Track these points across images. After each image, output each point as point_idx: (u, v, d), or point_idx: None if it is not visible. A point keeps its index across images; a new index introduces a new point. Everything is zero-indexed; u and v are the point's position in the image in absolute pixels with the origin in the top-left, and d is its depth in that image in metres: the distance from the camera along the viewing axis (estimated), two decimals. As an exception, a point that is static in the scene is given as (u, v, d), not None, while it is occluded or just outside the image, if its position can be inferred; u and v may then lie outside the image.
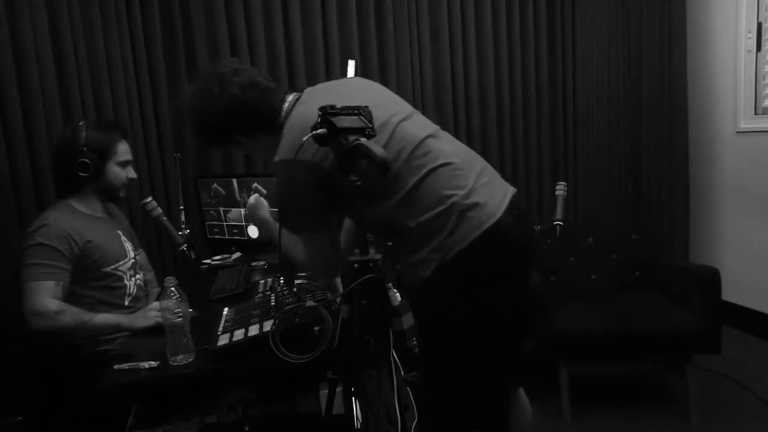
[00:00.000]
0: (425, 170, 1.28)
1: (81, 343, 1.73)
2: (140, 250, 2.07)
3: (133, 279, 1.92)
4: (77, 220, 1.79)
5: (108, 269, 1.82)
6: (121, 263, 1.87)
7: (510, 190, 1.38)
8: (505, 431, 1.42)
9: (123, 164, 1.87)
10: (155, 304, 1.76)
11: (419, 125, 1.39)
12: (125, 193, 1.92)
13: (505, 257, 1.30)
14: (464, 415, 1.36)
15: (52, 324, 1.64)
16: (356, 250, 1.31)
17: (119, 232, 1.95)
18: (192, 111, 1.40)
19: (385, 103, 1.38)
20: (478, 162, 1.39)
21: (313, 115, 1.15)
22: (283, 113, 1.38)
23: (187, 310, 1.43)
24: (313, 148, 1.19)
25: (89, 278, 1.78)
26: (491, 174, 1.39)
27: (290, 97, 1.42)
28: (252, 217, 1.75)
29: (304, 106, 1.37)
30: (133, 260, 1.94)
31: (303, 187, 1.27)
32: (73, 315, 1.67)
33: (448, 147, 1.37)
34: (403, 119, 1.36)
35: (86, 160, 1.77)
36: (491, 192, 1.32)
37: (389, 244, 1.39)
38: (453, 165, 1.31)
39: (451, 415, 1.36)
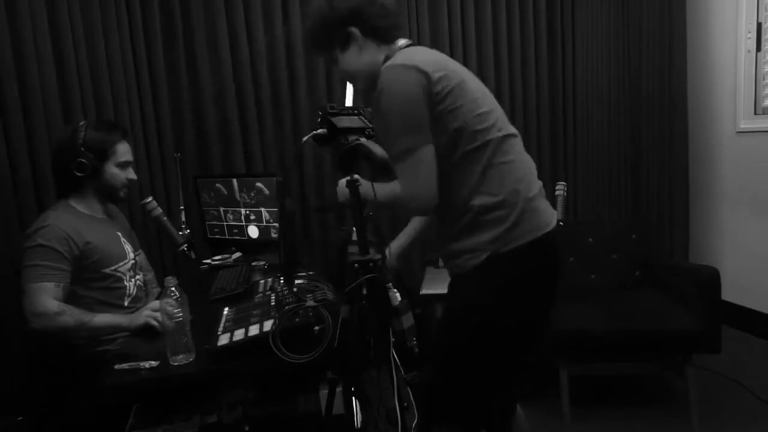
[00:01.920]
0: (509, 158, 1.34)
1: (81, 343, 1.73)
2: (140, 250, 2.07)
3: (132, 280, 1.92)
4: (77, 220, 1.79)
5: (108, 270, 1.82)
6: (120, 264, 1.87)
7: (555, 213, 1.47)
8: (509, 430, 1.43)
9: (123, 165, 1.87)
10: (152, 304, 1.76)
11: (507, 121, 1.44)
12: (125, 194, 1.91)
13: (552, 266, 1.39)
14: (474, 413, 1.38)
15: (53, 324, 1.64)
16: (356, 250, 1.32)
17: (119, 233, 1.95)
18: None
19: (485, 92, 1.42)
20: (535, 175, 1.45)
21: (430, 60, 1.27)
22: (395, 46, 1.42)
23: (187, 314, 1.43)
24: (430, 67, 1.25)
25: (89, 279, 1.78)
26: (542, 192, 1.45)
27: (403, 41, 1.45)
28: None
29: (420, 49, 1.39)
30: (132, 261, 1.94)
31: (417, 90, 1.25)
32: (73, 315, 1.67)
33: (523, 152, 1.44)
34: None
35: (84, 161, 1.77)
36: (546, 205, 1.41)
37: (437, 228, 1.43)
38: (526, 167, 1.40)
39: (462, 412, 1.39)
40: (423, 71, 1.26)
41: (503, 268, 1.31)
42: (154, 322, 1.67)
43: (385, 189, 1.33)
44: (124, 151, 1.87)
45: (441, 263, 2.69)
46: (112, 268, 1.84)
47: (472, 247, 1.32)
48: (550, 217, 1.38)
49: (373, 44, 1.42)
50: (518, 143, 1.41)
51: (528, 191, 1.34)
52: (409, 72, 1.25)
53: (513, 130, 1.40)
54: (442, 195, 1.32)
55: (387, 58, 1.38)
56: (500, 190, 1.31)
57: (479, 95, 1.35)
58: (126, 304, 1.87)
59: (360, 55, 1.42)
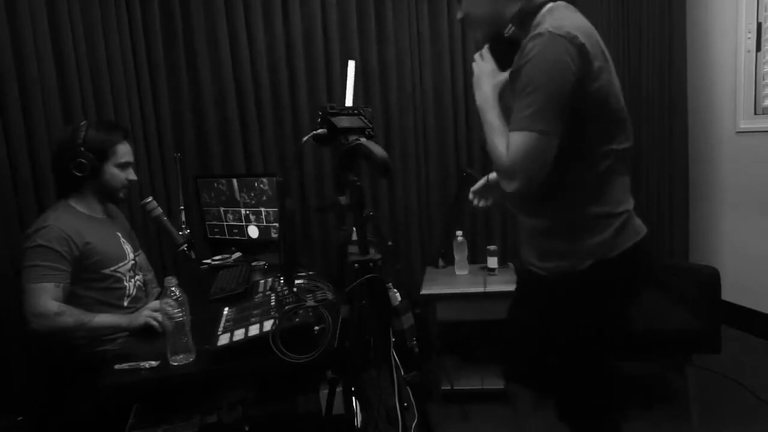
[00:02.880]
0: (625, 168, 1.35)
1: (81, 343, 1.73)
2: (139, 251, 2.07)
3: (132, 280, 1.92)
4: (77, 221, 1.79)
5: (107, 271, 1.82)
6: (120, 265, 1.87)
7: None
8: None
9: (123, 166, 1.86)
10: (152, 304, 1.76)
11: None
12: (125, 194, 1.91)
13: (645, 270, 1.39)
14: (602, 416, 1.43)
15: (53, 325, 1.64)
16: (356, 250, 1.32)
17: (118, 233, 1.95)
18: None
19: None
20: None
21: (592, 42, 1.19)
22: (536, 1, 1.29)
23: (187, 314, 1.43)
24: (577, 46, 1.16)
25: (89, 279, 1.78)
26: None
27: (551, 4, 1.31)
28: (479, 84, 1.40)
29: (577, 18, 1.27)
30: (132, 261, 1.94)
31: (571, 80, 1.16)
32: (73, 316, 1.67)
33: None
34: None
35: (83, 161, 1.76)
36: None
37: (534, 223, 1.38)
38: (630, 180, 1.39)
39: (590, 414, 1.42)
40: (585, 53, 1.16)
41: (607, 273, 1.30)
42: (154, 323, 1.67)
43: (496, 133, 1.28)
44: (124, 151, 1.87)
45: (492, 263, 2.70)
46: (112, 268, 1.84)
47: (578, 250, 1.30)
48: (642, 224, 1.38)
49: None
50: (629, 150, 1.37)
51: (631, 204, 1.36)
52: (573, 52, 1.15)
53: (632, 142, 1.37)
54: (552, 190, 1.27)
55: (526, 14, 1.27)
56: (615, 200, 1.31)
57: (620, 94, 1.28)
58: (126, 304, 1.87)
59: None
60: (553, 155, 1.20)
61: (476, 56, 1.42)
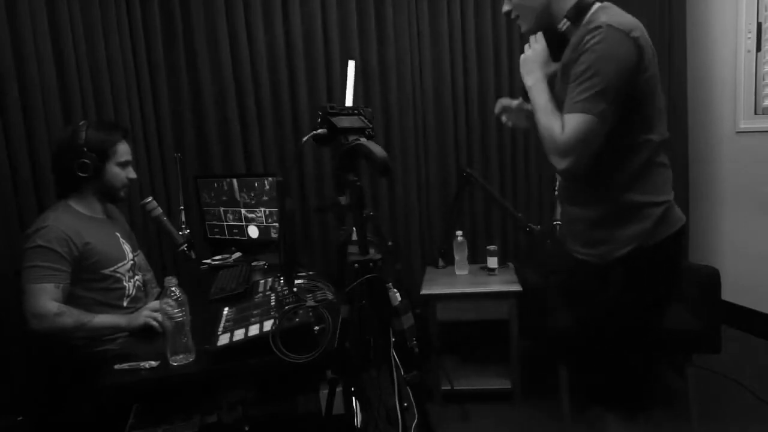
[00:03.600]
0: (666, 161, 1.42)
1: (81, 343, 1.73)
2: (139, 251, 2.07)
3: (132, 280, 1.92)
4: (76, 221, 1.79)
5: (107, 271, 1.82)
6: (120, 265, 1.87)
7: None
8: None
9: (123, 165, 1.87)
10: (152, 304, 1.76)
11: None
12: (125, 193, 1.92)
13: (683, 256, 1.47)
14: (634, 393, 1.48)
15: (53, 325, 1.64)
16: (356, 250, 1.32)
17: (118, 233, 1.95)
18: None
19: None
20: None
21: (646, 37, 1.28)
22: None
23: (187, 314, 1.43)
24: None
25: (88, 280, 1.78)
26: None
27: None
28: (532, 68, 1.49)
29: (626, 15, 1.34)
30: (131, 261, 1.94)
31: (630, 67, 1.25)
32: (73, 316, 1.67)
33: None
34: None
35: (86, 161, 1.77)
36: None
37: (578, 212, 1.45)
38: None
39: (624, 394, 1.47)
40: (640, 47, 1.25)
41: (646, 261, 1.36)
42: (154, 323, 1.67)
43: (548, 114, 1.34)
44: (124, 150, 1.88)
45: (492, 263, 2.70)
46: (112, 268, 1.84)
47: (619, 237, 1.36)
48: (681, 214, 1.44)
49: None
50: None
51: (671, 195, 1.41)
52: (629, 44, 1.24)
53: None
54: (596, 177, 1.35)
55: (580, 10, 1.35)
56: (655, 189, 1.37)
57: (661, 88, 1.36)
58: (125, 304, 1.87)
59: None
60: (602, 138, 1.28)
61: (531, 40, 1.51)
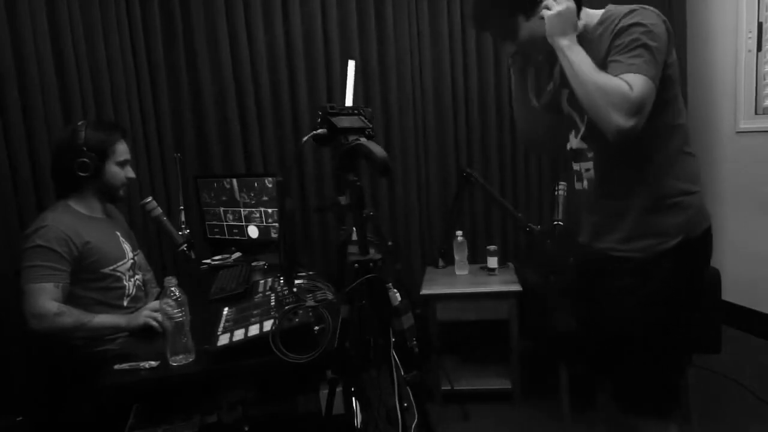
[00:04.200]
0: (693, 150, 1.42)
1: (81, 343, 1.73)
2: (138, 250, 2.07)
3: (132, 280, 1.92)
4: (76, 221, 1.79)
5: (107, 270, 1.82)
6: (119, 264, 1.87)
7: None
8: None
9: (122, 164, 1.87)
10: (152, 304, 1.76)
11: None
12: (124, 192, 1.92)
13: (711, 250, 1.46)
14: (668, 396, 1.46)
15: (53, 325, 1.64)
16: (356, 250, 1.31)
17: (117, 233, 1.95)
18: None
19: None
20: None
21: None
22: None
23: (187, 314, 1.43)
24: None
25: (88, 279, 1.78)
26: None
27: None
28: (566, 25, 1.35)
29: None
30: (131, 261, 1.94)
31: (663, 37, 1.28)
32: (73, 316, 1.67)
33: None
34: None
35: (86, 160, 1.77)
36: None
37: (620, 204, 1.41)
38: None
39: (658, 395, 1.44)
40: (669, 30, 1.30)
41: (695, 252, 1.37)
42: (154, 323, 1.67)
43: (594, 70, 1.28)
44: (123, 150, 1.88)
45: (492, 263, 2.69)
46: (111, 268, 1.84)
47: (669, 230, 1.35)
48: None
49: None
50: None
51: (701, 186, 1.41)
52: (663, 25, 1.29)
53: None
54: (640, 157, 1.35)
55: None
56: (691, 177, 1.38)
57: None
58: (125, 304, 1.87)
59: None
60: (652, 100, 1.27)
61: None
